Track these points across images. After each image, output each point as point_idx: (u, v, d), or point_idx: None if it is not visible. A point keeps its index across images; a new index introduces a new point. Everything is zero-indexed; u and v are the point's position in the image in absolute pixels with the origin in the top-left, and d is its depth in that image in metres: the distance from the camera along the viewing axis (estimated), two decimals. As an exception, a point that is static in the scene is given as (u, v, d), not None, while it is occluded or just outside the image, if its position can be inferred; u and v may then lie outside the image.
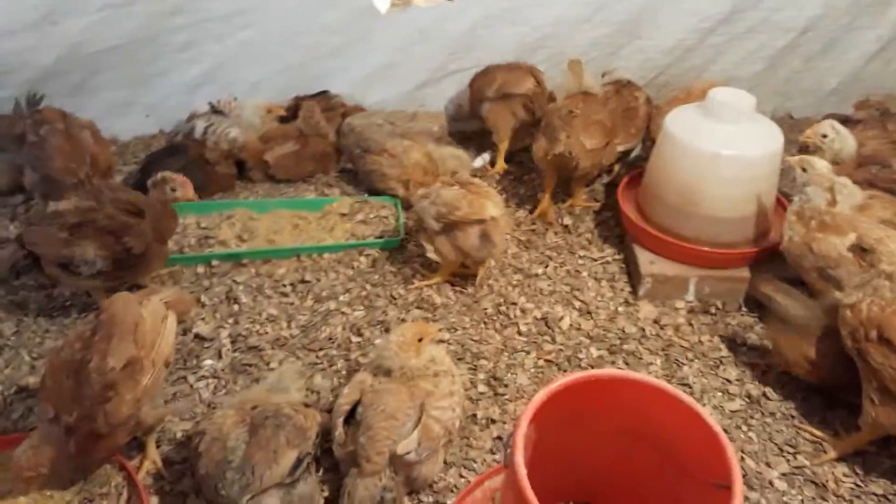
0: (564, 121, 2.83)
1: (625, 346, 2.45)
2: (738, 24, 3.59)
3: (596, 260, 2.85)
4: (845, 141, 2.67)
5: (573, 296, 2.67)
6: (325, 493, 1.90)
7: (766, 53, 3.70)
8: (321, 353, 2.35)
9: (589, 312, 2.60)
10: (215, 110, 3.31)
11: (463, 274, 2.68)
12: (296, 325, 2.47)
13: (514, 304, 2.61)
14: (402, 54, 3.48)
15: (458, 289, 2.66)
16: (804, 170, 2.31)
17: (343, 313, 2.51)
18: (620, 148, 3.12)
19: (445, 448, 1.96)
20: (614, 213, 3.01)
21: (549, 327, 2.52)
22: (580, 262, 2.85)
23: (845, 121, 3.25)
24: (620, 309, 2.61)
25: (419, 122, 3.50)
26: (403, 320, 2.44)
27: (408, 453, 1.80)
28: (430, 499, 1.94)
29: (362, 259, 2.77)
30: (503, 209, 2.54)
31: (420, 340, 1.94)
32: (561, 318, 2.55)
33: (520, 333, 2.49)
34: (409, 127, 3.42)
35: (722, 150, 2.48)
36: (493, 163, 3.41)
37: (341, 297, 2.58)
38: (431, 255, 2.54)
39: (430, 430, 1.85)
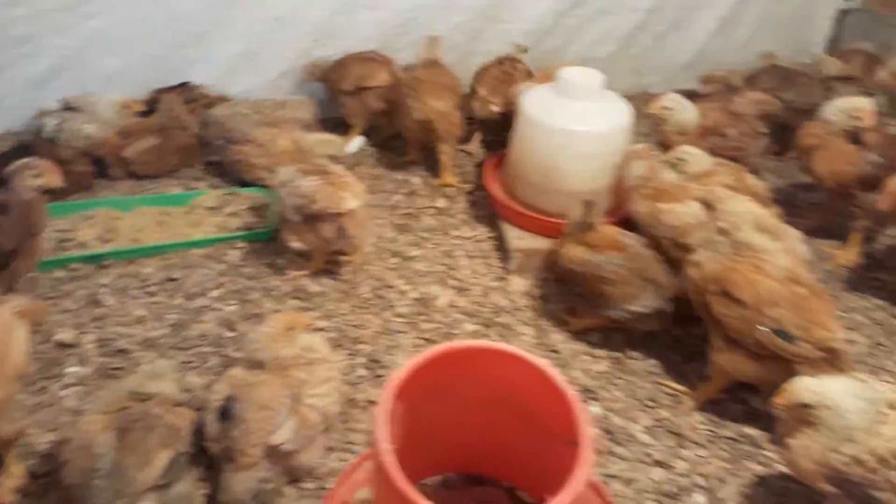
0: (412, 87, 2.96)
1: (498, 320, 2.54)
2: (591, 5, 3.77)
3: (469, 239, 2.93)
4: (687, 113, 2.87)
5: (449, 275, 2.74)
6: (206, 491, 1.87)
7: (619, 33, 3.90)
8: (193, 351, 2.29)
9: (464, 290, 2.67)
10: (67, 107, 3.12)
11: (339, 261, 2.68)
12: (165, 324, 2.38)
13: (392, 286, 2.65)
14: (263, 42, 3.41)
15: (334, 276, 2.66)
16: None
17: (215, 309, 2.46)
18: (496, 108, 3.23)
19: (325, 434, 1.97)
20: (486, 193, 3.09)
21: (425, 307, 2.57)
22: (454, 242, 2.92)
23: (693, 95, 3.49)
24: (493, 284, 2.71)
25: (288, 109, 3.44)
26: (279, 311, 2.42)
27: (284, 443, 1.80)
28: (313, 485, 1.94)
29: (233, 252, 2.71)
30: (363, 199, 2.51)
31: (292, 330, 1.94)
32: (437, 298, 2.61)
33: (398, 315, 2.52)
34: (277, 115, 3.35)
35: (574, 127, 2.61)
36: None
37: (213, 293, 2.52)
38: (295, 245, 2.52)
39: (306, 418, 1.86)
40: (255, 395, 1.82)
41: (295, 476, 1.93)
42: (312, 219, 2.45)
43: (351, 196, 2.46)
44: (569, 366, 2.37)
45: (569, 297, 2.63)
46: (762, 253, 2.02)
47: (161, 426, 1.76)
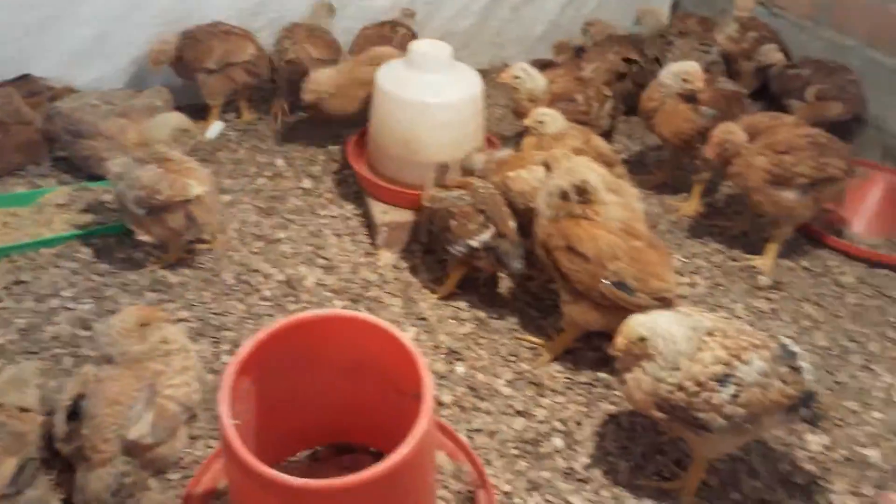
0: (290, 31, 3.23)
1: (367, 294, 2.58)
2: (447, -21, 3.83)
3: (336, 217, 2.94)
4: (536, 81, 2.98)
5: (316, 254, 2.74)
6: (62, 496, 1.81)
7: (477, 7, 3.98)
8: (46, 354, 2.19)
9: (332, 268, 2.69)
10: None
11: (197, 249, 2.64)
12: (14, 329, 2.27)
13: (257, 271, 2.63)
14: (112, 28, 3.26)
15: (195, 265, 2.61)
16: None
17: (68, 309, 2.36)
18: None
19: (189, 423, 1.95)
20: (352, 170, 3.11)
21: (292, 288, 2.57)
22: (322, 221, 2.92)
23: (548, 64, 3.63)
24: (362, 260, 2.74)
25: (141, 98, 3.31)
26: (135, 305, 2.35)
27: (142, 437, 1.77)
28: (179, 475, 1.93)
29: (86, 249, 2.60)
30: (209, 183, 2.47)
31: (145, 325, 1.89)
32: (305, 278, 2.62)
33: (264, 299, 2.51)
34: (129, 105, 3.21)
35: (428, 99, 2.67)
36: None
37: (65, 293, 2.42)
38: (144, 238, 2.46)
39: (164, 409, 1.83)
40: (105, 391, 1.77)
41: (159, 468, 1.90)
42: (157, 210, 2.39)
43: (196, 182, 2.41)
44: (436, 331, 2.45)
45: (435, 267, 2.71)
46: (600, 207, 2.15)
47: (4, 434, 1.70)
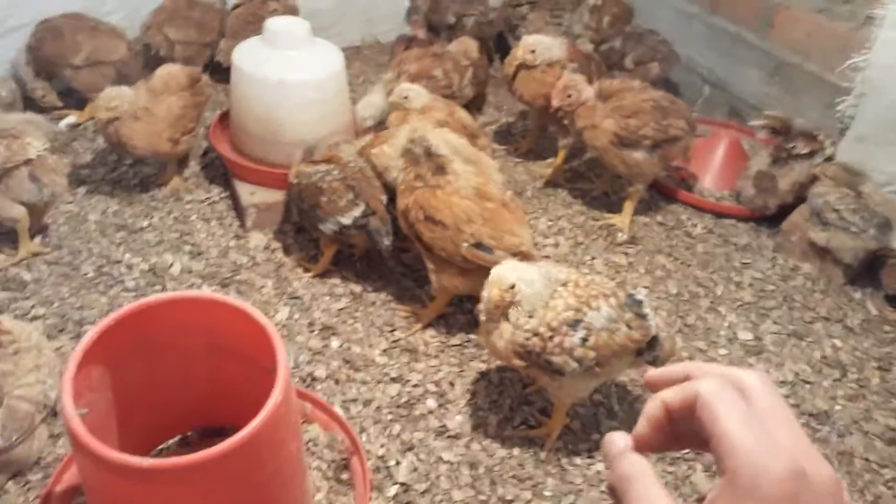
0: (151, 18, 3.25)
1: (237, 277, 2.55)
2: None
3: (203, 202, 2.88)
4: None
5: (183, 241, 2.68)
6: None
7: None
8: None
9: (200, 254, 2.63)
10: None
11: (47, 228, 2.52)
12: None
13: (119, 262, 2.54)
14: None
15: (50, 260, 2.49)
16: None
17: None
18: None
19: (48, 421, 1.89)
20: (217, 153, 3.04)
21: (158, 276, 2.50)
22: (188, 206, 2.85)
23: (413, 39, 3.67)
24: (231, 244, 2.69)
25: (-16, 89, 3.10)
26: (-17, 306, 2.23)
27: (-9, 441, 1.70)
28: (40, 475, 1.86)
29: (-73, 251, 2.44)
30: (46, 142, 2.43)
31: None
32: (171, 265, 2.55)
33: (127, 290, 2.44)
34: (-30, 97, 3.01)
35: (286, 76, 2.64)
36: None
37: None
38: None
39: (16, 410, 1.76)
40: (-57, 395, 1.69)
41: (16, 470, 1.83)
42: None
43: (33, 140, 2.33)
44: (310, 309, 2.45)
45: (308, 245, 2.70)
46: (452, 176, 2.21)
47: None
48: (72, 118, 3.22)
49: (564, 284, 1.89)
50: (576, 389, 1.97)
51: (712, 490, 0.54)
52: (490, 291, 1.84)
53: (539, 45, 2.96)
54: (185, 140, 2.82)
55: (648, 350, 1.92)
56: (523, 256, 2.19)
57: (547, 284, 1.87)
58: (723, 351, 2.45)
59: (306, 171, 2.49)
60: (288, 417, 1.53)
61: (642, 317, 1.90)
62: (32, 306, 2.30)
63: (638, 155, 2.72)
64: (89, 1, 3.32)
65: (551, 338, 1.82)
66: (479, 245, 2.16)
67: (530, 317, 1.83)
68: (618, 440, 0.62)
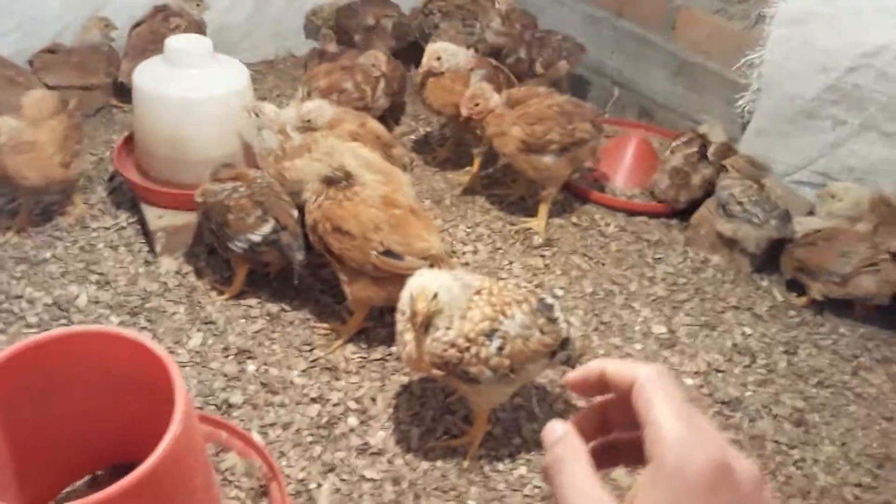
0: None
1: (147, 305, 2.47)
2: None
3: (110, 228, 2.78)
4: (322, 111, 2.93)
5: (89, 270, 2.58)
6: None
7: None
8: None
9: (108, 283, 2.54)
10: None
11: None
12: None
13: (20, 297, 2.43)
14: None
15: (-57, 300, 2.36)
16: (256, 115, 2.52)
17: None
18: None
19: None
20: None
21: (63, 310, 2.40)
22: (94, 234, 2.75)
23: (324, 53, 3.63)
24: (141, 270, 2.61)
25: None
26: None
27: None
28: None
29: None
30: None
31: None
32: (77, 297, 2.45)
33: (28, 326, 2.33)
34: None
35: (189, 94, 2.58)
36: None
37: None
38: None
39: None
40: None
41: None
42: None
43: None
44: (225, 333, 2.40)
45: (222, 267, 2.64)
46: (359, 186, 2.20)
47: None
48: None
49: (479, 292, 1.90)
50: (493, 395, 1.98)
51: (637, 478, 0.56)
52: (415, 304, 1.81)
53: (445, 52, 2.99)
54: (75, 163, 2.69)
55: (561, 350, 1.96)
56: (434, 260, 2.20)
57: (463, 293, 1.87)
58: (638, 346, 2.51)
59: (212, 189, 2.44)
60: (191, 448, 1.49)
61: (553, 321, 1.93)
62: (-78, 350, 2.16)
63: (547, 159, 2.77)
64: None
65: (468, 348, 1.83)
66: (388, 252, 2.16)
67: (448, 328, 1.83)
68: (556, 427, 0.62)
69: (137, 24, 3.41)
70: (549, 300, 1.96)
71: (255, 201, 2.39)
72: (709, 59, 3.41)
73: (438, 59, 2.97)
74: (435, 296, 1.81)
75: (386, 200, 2.20)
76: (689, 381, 2.41)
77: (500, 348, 1.84)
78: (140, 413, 1.76)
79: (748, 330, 2.63)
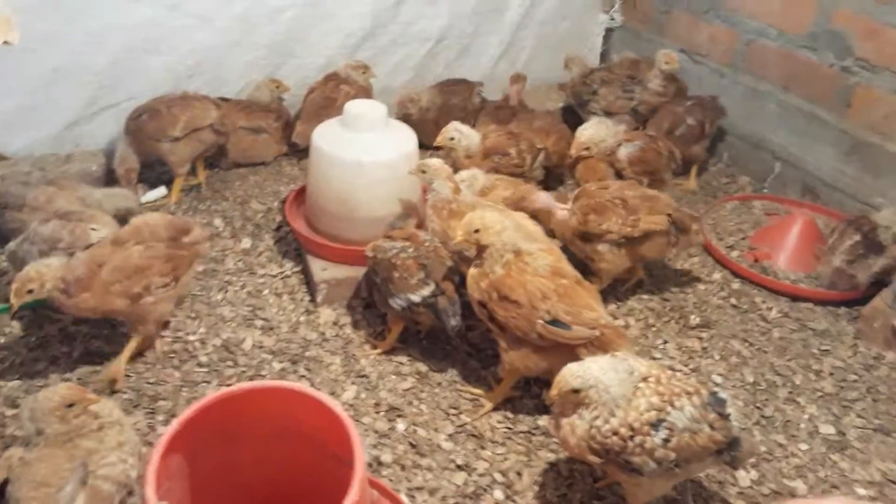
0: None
1: (307, 353, 2.58)
2: (381, 37, 3.92)
3: (276, 276, 2.95)
4: (470, 138, 3.07)
5: (256, 315, 2.74)
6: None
7: (413, 63, 4.09)
8: (-30, 436, 2.14)
9: (272, 328, 2.68)
10: None
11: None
12: (-63, 410, 2.21)
13: (193, 336, 2.61)
14: (40, 95, 3.24)
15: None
16: (423, 171, 2.62)
17: (-5, 386, 2.31)
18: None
19: (124, 500, 1.91)
20: (290, 228, 3.12)
21: (230, 352, 2.56)
22: (261, 280, 2.92)
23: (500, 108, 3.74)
24: (302, 318, 2.74)
25: (75, 163, 3.31)
26: (68, 379, 2.31)
27: (72, 523, 1.73)
28: (111, 555, 1.88)
29: (14, 322, 2.55)
30: (113, 227, 2.56)
31: (72, 406, 1.86)
32: (243, 340, 2.61)
33: (200, 365, 2.49)
34: (62, 171, 3.21)
35: (363, 157, 2.72)
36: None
37: (-9, 370, 2.36)
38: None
39: (98, 491, 1.79)
40: (31, 473, 1.74)
41: (90, 548, 1.85)
42: None
43: (99, 226, 2.44)
44: (377, 388, 2.46)
45: (376, 321, 2.73)
46: (526, 255, 2.22)
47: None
48: (161, 190, 3.38)
49: (645, 379, 1.84)
50: (653, 488, 1.90)
51: None
52: (552, 389, 1.84)
53: (592, 140, 3.07)
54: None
55: (728, 450, 1.85)
56: (605, 329, 2.16)
57: (626, 378, 1.83)
58: (804, 446, 2.33)
59: (383, 246, 2.54)
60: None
61: (725, 417, 1.83)
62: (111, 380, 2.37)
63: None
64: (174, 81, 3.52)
65: (632, 437, 1.77)
66: (555, 322, 2.15)
67: (610, 415, 1.79)
68: None
69: (311, 91, 3.66)
70: (722, 394, 1.86)
71: (419, 263, 2.46)
72: (887, 140, 3.20)
73: (587, 149, 3.05)
74: (575, 391, 1.81)
75: (553, 270, 2.21)
76: (862, 491, 2.20)
77: (666, 440, 1.77)
78: (303, 465, 1.83)
79: (930, 440, 2.38)
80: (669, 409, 1.78)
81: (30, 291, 2.16)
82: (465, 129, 3.09)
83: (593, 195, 2.77)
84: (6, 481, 1.76)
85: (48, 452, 1.79)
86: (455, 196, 2.61)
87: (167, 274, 2.39)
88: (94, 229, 2.48)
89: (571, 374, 1.84)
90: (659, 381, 1.83)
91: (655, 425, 1.77)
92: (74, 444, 1.83)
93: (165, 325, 2.59)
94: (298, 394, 1.64)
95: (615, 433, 1.78)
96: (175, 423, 1.53)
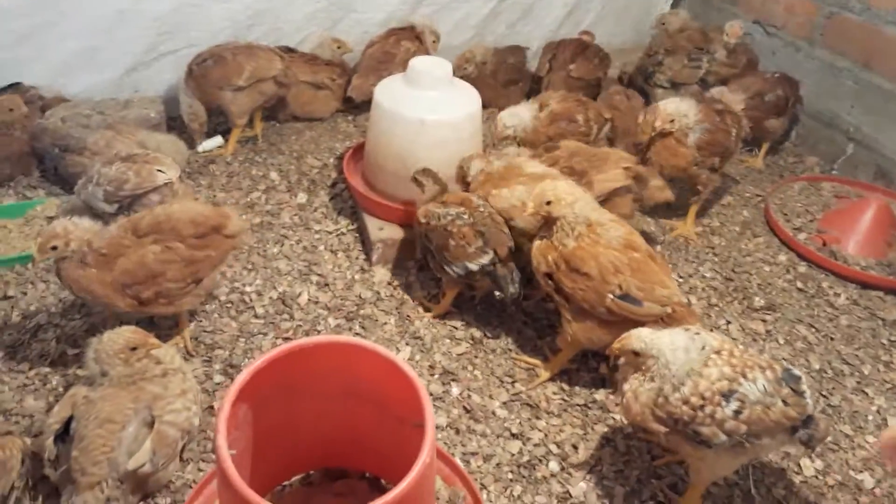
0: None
1: (361, 312, 2.55)
2: (443, -7, 3.82)
3: (331, 233, 2.92)
4: (522, 121, 2.93)
5: (311, 270, 2.72)
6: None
7: (473, 21, 3.98)
8: (32, 373, 2.16)
9: (327, 284, 2.66)
10: None
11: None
12: (0, 346, 2.23)
13: (250, 287, 2.60)
14: (103, 37, 3.22)
15: (188, 281, 2.58)
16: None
17: (57, 325, 2.32)
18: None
19: (185, 447, 1.92)
20: (347, 185, 3.09)
21: (286, 305, 2.54)
22: (316, 236, 2.90)
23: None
24: (357, 277, 2.71)
25: (134, 109, 3.28)
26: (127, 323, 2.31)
27: (142, 466, 1.73)
28: (168, 499, 1.89)
29: (76, 264, 2.56)
30: (178, 169, 2.52)
31: (135, 350, 1.86)
32: (299, 295, 2.59)
33: (256, 317, 2.48)
34: (121, 116, 3.19)
35: (426, 116, 2.65)
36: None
37: (53, 309, 2.38)
38: None
39: (165, 436, 1.79)
40: (95, 411, 1.74)
41: (149, 492, 1.87)
42: (129, 206, 2.38)
43: (165, 167, 2.42)
44: (431, 350, 2.42)
45: (430, 284, 2.69)
46: (598, 226, 2.14)
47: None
48: (217, 139, 3.36)
49: (719, 352, 1.78)
50: (719, 465, 1.84)
51: None
52: (615, 343, 1.83)
53: (677, 113, 2.81)
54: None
55: (803, 427, 1.78)
56: (676, 306, 2.09)
57: (695, 353, 1.77)
58: (871, 438, 2.24)
59: (436, 212, 2.46)
60: (431, 478, 1.50)
61: (800, 393, 1.76)
62: (170, 327, 2.37)
63: None
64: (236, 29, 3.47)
65: (702, 407, 1.71)
66: (626, 296, 2.08)
67: (682, 384, 1.73)
68: None
69: (370, 45, 3.59)
70: (797, 371, 1.79)
71: (476, 231, 2.39)
72: (974, 125, 3.03)
73: (672, 121, 2.81)
74: (635, 353, 1.77)
75: (626, 243, 2.13)
76: (930, 490, 2.11)
77: (738, 412, 1.71)
78: (363, 425, 1.81)
79: None
80: (742, 380, 1.72)
81: (53, 248, 2.00)
82: (509, 115, 2.92)
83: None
84: (71, 419, 1.77)
85: (112, 392, 1.80)
86: (486, 161, 2.53)
87: (184, 279, 2.15)
88: (160, 171, 2.46)
89: (639, 336, 1.79)
90: (732, 354, 1.77)
91: (727, 396, 1.71)
92: (138, 386, 1.83)
93: (192, 314, 2.41)
94: (369, 351, 1.61)
95: (685, 402, 1.72)
96: (245, 373, 1.51)
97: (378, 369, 1.62)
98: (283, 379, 1.63)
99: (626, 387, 1.83)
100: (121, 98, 3.32)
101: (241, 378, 1.50)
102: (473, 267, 2.38)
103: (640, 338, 1.79)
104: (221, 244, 2.23)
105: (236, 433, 1.53)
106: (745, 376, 1.73)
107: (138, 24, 3.27)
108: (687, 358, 1.76)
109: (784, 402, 1.74)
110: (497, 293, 2.43)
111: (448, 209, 2.46)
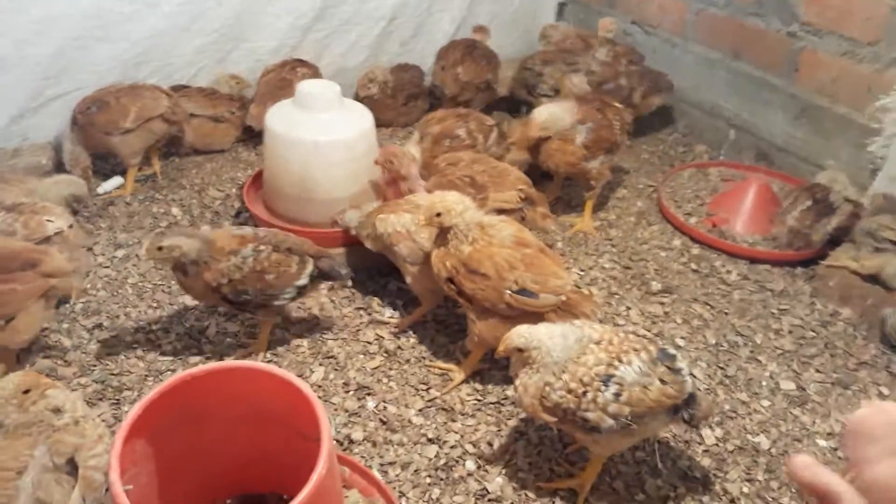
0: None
1: (273, 337, 2.55)
2: (333, 18, 3.87)
3: (237, 262, 2.90)
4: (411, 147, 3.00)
5: (219, 302, 2.70)
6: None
7: (366, 42, 4.05)
8: (-74, 438, 2.07)
9: (235, 314, 2.65)
10: None
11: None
12: None
13: (157, 325, 2.57)
14: (-15, 86, 3.14)
15: (89, 326, 2.52)
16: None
17: (-50, 386, 2.23)
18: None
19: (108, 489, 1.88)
20: (250, 213, 3.08)
21: (194, 339, 2.52)
22: (222, 267, 2.88)
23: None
24: (266, 303, 2.71)
25: (24, 157, 3.22)
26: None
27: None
28: (83, 547, 1.85)
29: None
30: (69, 219, 2.47)
31: (28, 392, 1.82)
32: (207, 328, 2.57)
33: (164, 354, 2.45)
34: (11, 165, 3.12)
35: (319, 137, 2.70)
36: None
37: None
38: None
39: (92, 481, 1.77)
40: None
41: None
42: None
43: (55, 217, 2.38)
44: (345, 368, 2.45)
45: (344, 303, 2.71)
46: (489, 227, 2.22)
47: None
48: (117, 180, 3.31)
49: (598, 343, 1.87)
50: (612, 447, 1.93)
51: None
52: (500, 345, 1.90)
53: (550, 120, 2.97)
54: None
55: (686, 407, 1.88)
56: (572, 295, 2.18)
57: (573, 343, 1.86)
58: (766, 402, 2.39)
59: (232, 265, 2.25)
60: (332, 490, 1.52)
61: (676, 371, 1.86)
62: (75, 374, 2.32)
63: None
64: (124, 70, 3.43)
65: (584, 393, 1.79)
66: (523, 290, 2.16)
67: (562, 372, 1.81)
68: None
69: (266, 73, 3.61)
70: (671, 350, 1.90)
71: (284, 250, 2.34)
72: (835, 103, 3.28)
73: (546, 128, 2.96)
74: (519, 349, 1.85)
75: (517, 240, 2.22)
76: (822, 443, 2.27)
77: (617, 394, 1.80)
78: (273, 446, 1.82)
79: (885, 390, 2.46)
80: (617, 363, 1.81)
81: None
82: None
83: (444, 172, 2.71)
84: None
85: (7, 444, 1.75)
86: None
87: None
88: (49, 220, 2.41)
89: (518, 333, 1.87)
90: (610, 343, 1.86)
91: (605, 380, 1.79)
92: (59, 437, 1.79)
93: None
94: (261, 372, 1.63)
95: (568, 391, 1.80)
96: (136, 408, 1.50)
97: (273, 389, 1.63)
98: (181, 408, 1.63)
99: (516, 382, 1.91)
100: (8, 147, 3.24)
101: (133, 413, 1.49)
102: (304, 281, 2.36)
103: (519, 334, 1.86)
104: (31, 280, 2.13)
105: (134, 469, 1.51)
106: (620, 360, 1.82)
107: (21, 70, 3.19)
108: (565, 344, 1.84)
109: (661, 380, 1.84)
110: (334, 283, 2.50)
111: (239, 254, 2.27)
